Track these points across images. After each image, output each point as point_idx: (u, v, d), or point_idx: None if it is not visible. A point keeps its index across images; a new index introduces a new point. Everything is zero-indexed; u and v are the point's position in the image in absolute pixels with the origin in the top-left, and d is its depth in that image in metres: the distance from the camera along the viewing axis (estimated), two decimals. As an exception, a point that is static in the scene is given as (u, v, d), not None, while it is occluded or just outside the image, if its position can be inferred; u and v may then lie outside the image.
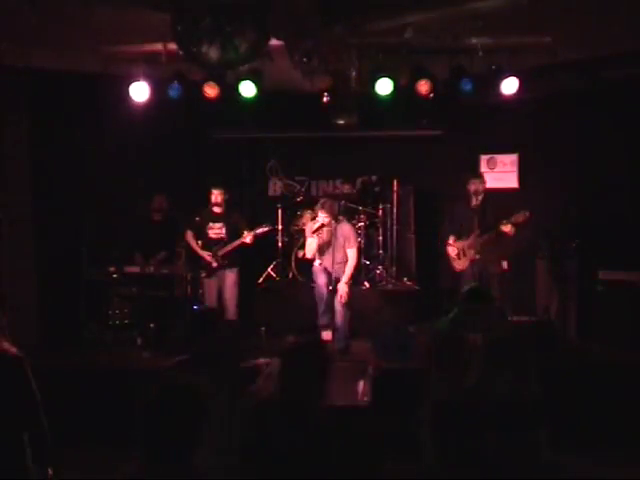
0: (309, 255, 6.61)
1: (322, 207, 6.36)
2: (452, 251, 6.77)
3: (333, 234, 6.41)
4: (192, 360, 5.21)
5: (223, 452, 3.18)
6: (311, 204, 8.25)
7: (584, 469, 4.68)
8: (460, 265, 6.70)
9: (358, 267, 6.88)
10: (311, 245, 6.51)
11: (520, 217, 6.28)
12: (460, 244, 6.72)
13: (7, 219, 6.87)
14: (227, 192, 6.99)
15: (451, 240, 6.81)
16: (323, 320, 6.53)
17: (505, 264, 6.66)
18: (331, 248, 6.39)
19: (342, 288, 6.37)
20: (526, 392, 3.07)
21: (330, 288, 6.40)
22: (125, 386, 5.22)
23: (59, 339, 6.70)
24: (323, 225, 6.33)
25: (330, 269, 6.42)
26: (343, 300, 6.37)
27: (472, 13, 5.31)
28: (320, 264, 6.55)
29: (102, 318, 6.97)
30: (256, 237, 6.78)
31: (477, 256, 6.53)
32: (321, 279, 6.51)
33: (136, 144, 7.62)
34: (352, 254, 6.47)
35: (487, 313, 3.62)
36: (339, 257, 6.45)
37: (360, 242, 7.80)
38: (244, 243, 6.78)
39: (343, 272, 6.44)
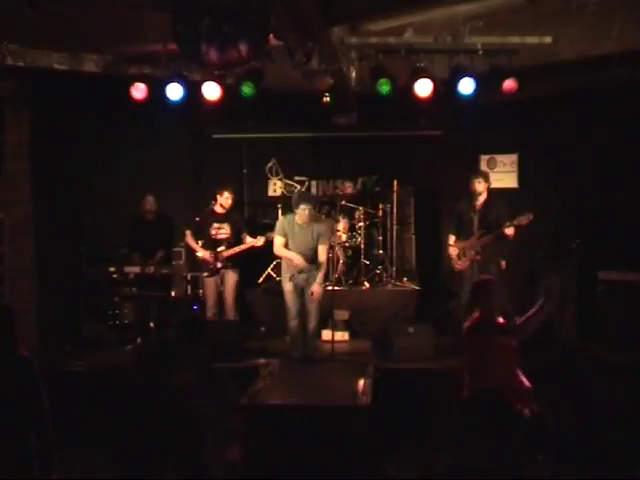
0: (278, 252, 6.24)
1: (305, 200, 6.00)
2: (453, 251, 6.77)
3: (308, 231, 6.06)
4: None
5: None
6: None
7: (583, 468, 4.70)
8: (460, 265, 6.70)
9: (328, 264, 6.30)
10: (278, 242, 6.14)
11: (524, 220, 6.26)
12: (460, 244, 6.72)
13: (7, 219, 6.89)
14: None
15: (452, 240, 6.81)
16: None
17: (504, 264, 6.65)
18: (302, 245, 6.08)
19: (315, 289, 6.01)
20: None
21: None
22: (125, 386, 5.23)
23: (59, 339, 6.70)
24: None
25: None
26: (315, 298, 6.06)
27: (472, 13, 5.32)
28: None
29: (102, 318, 6.97)
30: (268, 240, 6.62)
31: (477, 256, 6.53)
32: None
33: (136, 144, 7.63)
34: (323, 250, 6.05)
35: None
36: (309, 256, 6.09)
37: (359, 240, 7.82)
38: (254, 246, 6.71)
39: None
